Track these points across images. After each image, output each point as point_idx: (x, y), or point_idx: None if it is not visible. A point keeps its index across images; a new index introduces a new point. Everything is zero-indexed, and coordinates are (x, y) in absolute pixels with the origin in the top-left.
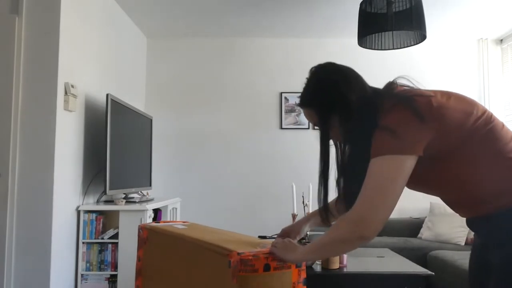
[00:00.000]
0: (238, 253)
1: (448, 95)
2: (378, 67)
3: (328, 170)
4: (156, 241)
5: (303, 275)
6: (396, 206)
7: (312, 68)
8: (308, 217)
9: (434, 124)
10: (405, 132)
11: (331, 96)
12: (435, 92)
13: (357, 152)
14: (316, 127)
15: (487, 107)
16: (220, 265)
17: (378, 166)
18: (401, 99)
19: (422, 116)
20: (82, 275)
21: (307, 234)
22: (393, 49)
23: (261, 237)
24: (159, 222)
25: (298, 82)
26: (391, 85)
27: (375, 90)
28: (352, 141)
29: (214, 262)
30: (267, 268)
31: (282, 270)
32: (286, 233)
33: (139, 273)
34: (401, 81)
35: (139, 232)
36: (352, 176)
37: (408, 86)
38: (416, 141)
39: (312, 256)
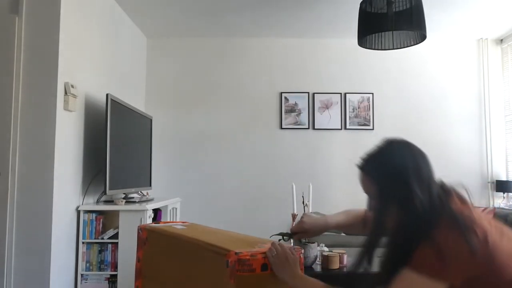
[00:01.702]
0: (236, 253)
1: (501, 231)
2: (378, 67)
3: (375, 248)
4: (155, 241)
5: None
6: None
7: (387, 139)
8: (337, 222)
9: (482, 263)
10: (453, 260)
11: (396, 181)
12: (490, 222)
13: (394, 247)
14: (366, 194)
15: (487, 107)
16: (218, 265)
17: (408, 284)
18: (460, 225)
19: (475, 251)
20: (82, 275)
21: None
22: (393, 49)
23: (282, 234)
24: (158, 223)
25: (298, 82)
26: (449, 193)
27: (438, 194)
28: (396, 235)
29: (213, 262)
30: (264, 267)
31: None
32: (304, 230)
33: (138, 274)
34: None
35: (138, 233)
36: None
37: (464, 199)
38: (458, 272)
39: None
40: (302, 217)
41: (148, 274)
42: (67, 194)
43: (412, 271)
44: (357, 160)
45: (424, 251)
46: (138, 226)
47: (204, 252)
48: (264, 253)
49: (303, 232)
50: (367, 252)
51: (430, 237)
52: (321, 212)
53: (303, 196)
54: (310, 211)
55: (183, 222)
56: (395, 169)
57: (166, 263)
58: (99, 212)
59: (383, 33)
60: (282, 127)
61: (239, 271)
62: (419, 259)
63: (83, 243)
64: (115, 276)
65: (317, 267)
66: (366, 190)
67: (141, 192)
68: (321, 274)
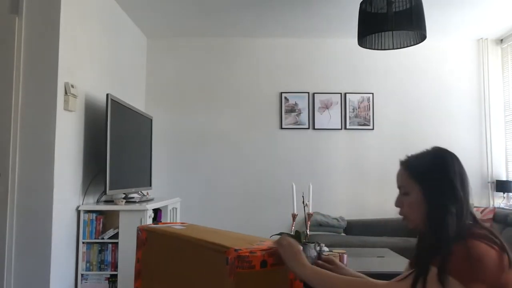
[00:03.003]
0: (235, 250)
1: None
2: (378, 67)
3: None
4: (155, 242)
5: None
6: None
7: (435, 147)
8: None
9: (503, 278)
10: (483, 268)
11: (443, 177)
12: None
13: (429, 248)
14: (400, 189)
15: (487, 107)
16: (218, 262)
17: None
18: (491, 237)
19: (504, 263)
20: (82, 275)
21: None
22: (393, 49)
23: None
24: (157, 224)
25: (298, 82)
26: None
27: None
28: (432, 235)
29: (212, 259)
30: (264, 264)
31: (279, 267)
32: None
33: (138, 274)
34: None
35: (138, 233)
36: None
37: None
38: (487, 280)
39: (316, 283)
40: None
41: (147, 275)
42: (67, 194)
43: (445, 273)
44: (402, 157)
45: (458, 255)
46: (138, 227)
47: (203, 250)
48: (264, 250)
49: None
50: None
51: (465, 242)
52: (321, 212)
53: (303, 196)
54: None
55: (182, 223)
56: (442, 171)
57: (166, 264)
58: (99, 212)
59: (383, 33)
60: (282, 127)
61: (238, 267)
62: (453, 262)
63: (83, 243)
64: (115, 276)
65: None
66: (401, 185)
67: (141, 192)
68: None
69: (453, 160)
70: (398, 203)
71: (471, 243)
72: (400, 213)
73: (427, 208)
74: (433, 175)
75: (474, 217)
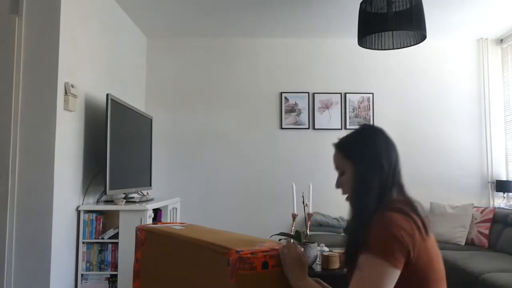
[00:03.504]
0: (237, 251)
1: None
2: (378, 67)
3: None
4: (154, 242)
5: None
6: None
7: (363, 124)
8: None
9: (422, 249)
10: (400, 238)
11: (370, 152)
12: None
13: (357, 226)
14: (337, 169)
15: (487, 107)
16: (219, 263)
17: (366, 266)
18: (409, 210)
19: (420, 232)
20: (82, 275)
21: (307, 235)
22: (393, 49)
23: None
24: (156, 223)
25: (298, 82)
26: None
27: (398, 183)
28: (359, 212)
29: (213, 261)
30: (265, 266)
31: (280, 268)
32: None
33: (137, 275)
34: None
35: (136, 233)
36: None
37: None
38: (407, 248)
39: None
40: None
41: (146, 275)
42: (67, 194)
43: (367, 253)
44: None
45: (375, 231)
46: (136, 227)
47: (204, 252)
48: (265, 251)
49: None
50: (355, 230)
51: (381, 214)
52: (321, 212)
53: (303, 196)
54: (310, 211)
55: (181, 223)
56: (368, 148)
57: (165, 264)
58: (99, 212)
59: (383, 33)
60: (282, 127)
61: (240, 269)
62: (372, 240)
63: (83, 243)
64: (115, 276)
65: (317, 267)
66: (337, 166)
67: (141, 192)
68: (321, 274)
69: (378, 134)
70: (338, 184)
71: (388, 214)
72: (342, 193)
73: (355, 180)
74: (360, 151)
75: (401, 190)
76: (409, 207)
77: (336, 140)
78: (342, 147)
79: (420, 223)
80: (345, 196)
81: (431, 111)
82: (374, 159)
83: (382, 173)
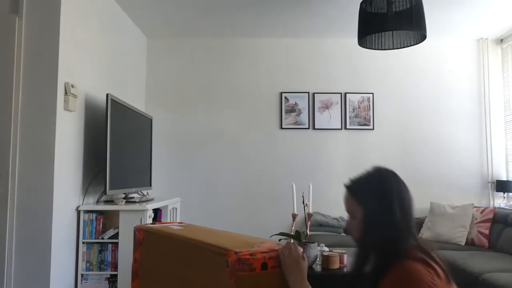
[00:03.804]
0: (236, 252)
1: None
2: (378, 67)
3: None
4: (152, 242)
5: None
6: None
7: (376, 166)
8: None
9: None
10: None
11: (381, 200)
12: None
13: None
14: (348, 213)
15: (487, 107)
16: (218, 264)
17: None
18: (428, 260)
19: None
20: (82, 275)
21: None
22: (393, 49)
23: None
24: (155, 224)
25: (298, 82)
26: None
27: (413, 228)
28: (373, 255)
29: (212, 262)
30: (264, 267)
31: (279, 269)
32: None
33: (135, 275)
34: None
35: (135, 233)
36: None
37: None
38: None
39: None
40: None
41: (145, 275)
42: (67, 194)
43: None
44: (346, 181)
45: (394, 283)
46: (135, 227)
47: (202, 252)
48: (264, 252)
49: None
50: (357, 270)
51: (401, 263)
52: (321, 212)
53: (303, 196)
54: (310, 211)
55: (179, 223)
56: (381, 194)
57: (163, 264)
58: (99, 212)
59: (383, 33)
60: (282, 127)
61: (239, 270)
62: (388, 283)
63: (83, 243)
64: (115, 276)
65: (317, 267)
66: (348, 209)
67: (141, 192)
68: (321, 274)
69: (391, 180)
70: (348, 227)
71: (408, 264)
72: (352, 237)
73: (363, 229)
74: (371, 198)
75: (415, 238)
76: (427, 255)
77: (347, 181)
78: (352, 190)
79: (441, 272)
80: (354, 239)
81: (431, 111)
82: (386, 207)
83: (395, 223)
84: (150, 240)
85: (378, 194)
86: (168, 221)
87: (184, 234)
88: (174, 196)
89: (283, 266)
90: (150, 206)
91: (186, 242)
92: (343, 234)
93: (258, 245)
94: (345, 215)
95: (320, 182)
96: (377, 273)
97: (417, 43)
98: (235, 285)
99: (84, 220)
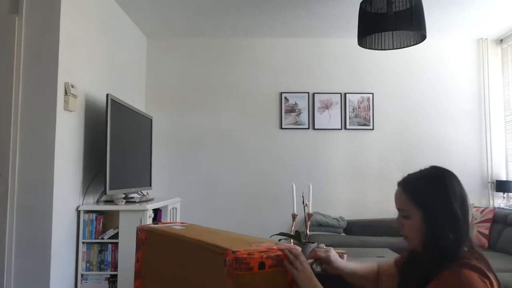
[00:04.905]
0: (233, 252)
1: None
2: (378, 67)
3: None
4: (154, 242)
5: None
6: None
7: (432, 166)
8: (353, 270)
9: None
10: None
11: (444, 202)
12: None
13: (423, 266)
14: (399, 211)
15: (487, 107)
16: (216, 264)
17: None
18: (483, 268)
19: None
20: (82, 275)
21: (307, 235)
22: (393, 49)
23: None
24: (157, 223)
25: (298, 82)
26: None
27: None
28: (427, 255)
29: (211, 261)
30: (262, 266)
31: (277, 268)
32: (326, 261)
33: (138, 274)
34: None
35: (137, 233)
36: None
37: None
38: None
39: None
40: (328, 253)
41: (147, 275)
42: (67, 194)
43: None
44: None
45: (449, 283)
46: (137, 227)
47: (202, 252)
48: (262, 251)
49: (323, 262)
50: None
51: (458, 270)
52: (321, 212)
53: (303, 196)
54: (310, 211)
55: (182, 223)
56: (443, 196)
57: (165, 264)
58: (99, 212)
59: (383, 33)
60: (282, 127)
61: (236, 269)
62: (443, 285)
63: (83, 243)
64: (115, 276)
65: (317, 267)
66: (401, 208)
67: (141, 192)
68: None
69: (453, 181)
70: (399, 224)
71: (465, 273)
72: (401, 234)
73: (427, 233)
74: (433, 200)
75: (471, 243)
76: (484, 264)
77: (400, 178)
78: (410, 190)
79: (495, 283)
80: (401, 234)
81: (431, 111)
82: (449, 210)
83: (457, 226)
84: (152, 240)
85: (440, 196)
86: (168, 221)
87: (184, 233)
88: (174, 196)
89: (298, 281)
90: (150, 206)
91: (186, 241)
92: (343, 234)
93: (256, 245)
94: (345, 215)
95: (320, 182)
96: (425, 276)
97: (417, 43)
98: (233, 284)
99: (84, 220)
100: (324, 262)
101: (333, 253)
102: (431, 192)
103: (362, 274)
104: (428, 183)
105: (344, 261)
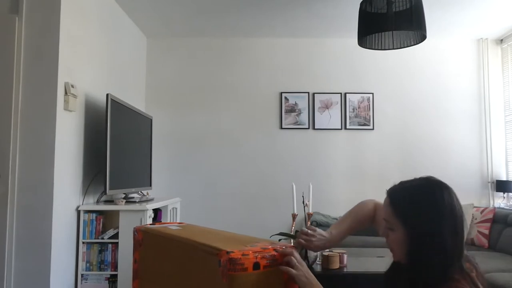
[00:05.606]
0: (227, 252)
1: None
2: (378, 67)
3: None
4: (151, 243)
5: None
6: None
7: (426, 177)
8: (341, 235)
9: None
10: None
11: (430, 223)
12: None
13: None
14: (385, 221)
15: (487, 107)
16: (211, 264)
17: None
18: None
19: None
20: (82, 275)
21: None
22: (393, 49)
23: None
24: (154, 224)
25: (298, 82)
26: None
27: (462, 249)
28: (415, 271)
29: (206, 261)
30: (256, 266)
31: (272, 268)
32: (309, 249)
33: (135, 275)
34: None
35: (134, 234)
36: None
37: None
38: None
39: None
40: (309, 238)
41: (145, 275)
42: (67, 194)
43: None
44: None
45: None
46: (134, 228)
47: (197, 252)
48: (256, 251)
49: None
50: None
51: (447, 284)
52: (321, 212)
53: (303, 196)
54: (310, 211)
55: (179, 223)
56: (430, 215)
57: (162, 264)
58: (99, 212)
59: (383, 33)
60: (282, 127)
61: (231, 270)
62: None
63: (83, 243)
64: (115, 276)
65: (317, 267)
66: (386, 219)
67: (141, 192)
68: (321, 274)
69: (444, 197)
70: (384, 234)
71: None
72: (386, 243)
73: (410, 251)
74: (418, 218)
75: (461, 265)
76: (473, 283)
77: (389, 186)
78: (395, 203)
79: None
80: (387, 243)
81: (431, 111)
82: (436, 230)
83: (444, 247)
84: (148, 241)
85: (427, 215)
86: (168, 221)
87: (180, 234)
88: (174, 196)
89: (295, 279)
90: (150, 206)
91: (181, 242)
92: None
93: (251, 245)
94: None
95: (320, 182)
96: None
97: (417, 43)
98: (228, 285)
99: (84, 220)
100: (308, 248)
101: (317, 237)
102: (417, 209)
103: (354, 229)
104: (416, 198)
105: (329, 234)
